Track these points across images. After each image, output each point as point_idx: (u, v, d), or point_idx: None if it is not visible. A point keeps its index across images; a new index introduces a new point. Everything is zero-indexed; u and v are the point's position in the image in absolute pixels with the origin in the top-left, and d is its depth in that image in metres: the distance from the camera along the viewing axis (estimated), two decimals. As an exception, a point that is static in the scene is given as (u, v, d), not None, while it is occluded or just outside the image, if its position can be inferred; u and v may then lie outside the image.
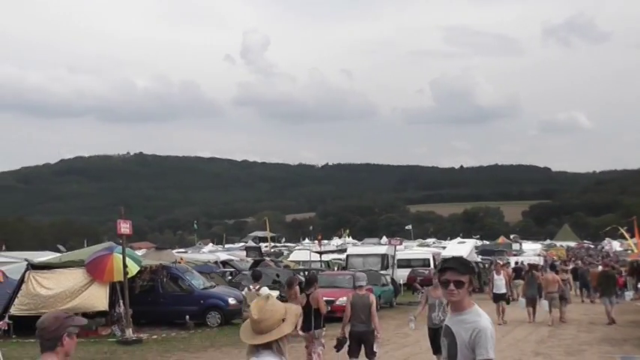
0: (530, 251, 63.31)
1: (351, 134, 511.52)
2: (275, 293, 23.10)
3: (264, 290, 14.40)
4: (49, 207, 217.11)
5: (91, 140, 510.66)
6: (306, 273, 33.40)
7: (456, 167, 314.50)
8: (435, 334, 11.84)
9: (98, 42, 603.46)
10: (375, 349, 12.13)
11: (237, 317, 23.09)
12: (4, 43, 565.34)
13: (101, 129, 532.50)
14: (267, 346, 3.71)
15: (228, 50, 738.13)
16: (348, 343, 12.30)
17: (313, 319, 12.45)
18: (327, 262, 40.61)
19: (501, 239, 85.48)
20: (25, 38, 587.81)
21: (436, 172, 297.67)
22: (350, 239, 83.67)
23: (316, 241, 50.66)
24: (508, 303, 24.78)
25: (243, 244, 79.42)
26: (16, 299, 20.30)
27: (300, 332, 12.30)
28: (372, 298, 12.33)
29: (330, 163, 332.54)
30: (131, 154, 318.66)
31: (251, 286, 15.18)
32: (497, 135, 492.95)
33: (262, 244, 64.19)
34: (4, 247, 52.82)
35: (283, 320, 3.76)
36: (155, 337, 19.86)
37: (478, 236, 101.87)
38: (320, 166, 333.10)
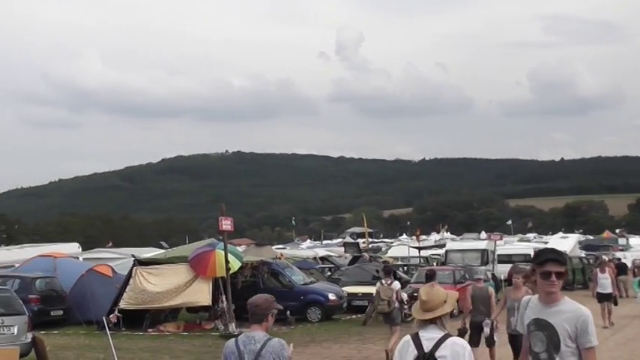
0: (639, 246, 60.95)
1: (447, 128, 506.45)
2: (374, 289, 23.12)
3: (396, 284, 15.70)
4: (151, 205, 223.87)
5: (190, 139, 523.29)
6: (405, 268, 33.32)
7: (556, 160, 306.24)
8: (515, 340, 11.18)
9: (194, 44, 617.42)
10: (495, 338, 12.89)
11: (337, 312, 23.25)
12: (107, 50, 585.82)
13: (200, 128, 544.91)
14: (433, 321, 4.82)
15: (322, 47, 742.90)
16: (468, 333, 12.95)
17: None
18: (426, 257, 40.28)
19: (606, 234, 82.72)
20: (126, 43, 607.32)
21: (535, 165, 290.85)
22: (448, 234, 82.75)
23: (414, 237, 50.28)
24: (616, 304, 22.28)
25: (340, 240, 79.80)
26: (124, 294, 21.00)
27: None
28: (491, 290, 13.52)
29: (427, 158, 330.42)
30: (229, 152, 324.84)
31: (383, 281, 15.92)
32: (599, 126, 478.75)
33: (360, 240, 64.10)
34: (110, 244, 54.70)
35: (445, 302, 4.85)
36: (257, 332, 20.11)
37: (581, 231, 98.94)
38: (416, 160, 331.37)
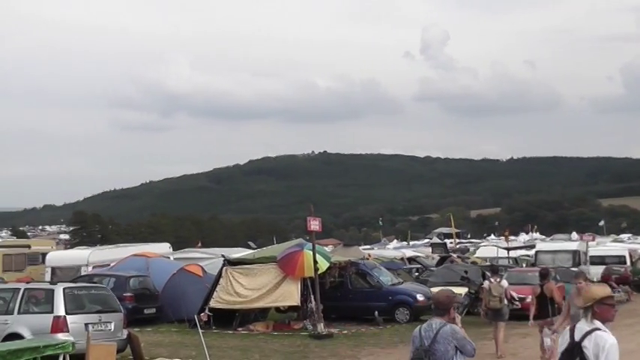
0: None
1: (535, 126, 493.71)
2: (463, 290, 22.85)
3: (504, 282, 16.83)
4: (239, 206, 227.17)
5: (276, 141, 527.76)
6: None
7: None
8: None
9: (279, 46, 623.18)
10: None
11: (425, 313, 23.04)
12: (194, 55, 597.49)
13: (286, 129, 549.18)
14: (587, 310, 5.69)
15: (407, 47, 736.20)
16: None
17: (550, 307, 13.73)
18: (515, 258, 39.51)
19: None
20: (213, 48, 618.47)
21: (629, 162, 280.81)
22: (538, 235, 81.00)
23: (502, 237, 49.40)
24: None
25: (427, 240, 79.09)
26: (214, 293, 21.37)
27: (532, 321, 14.02)
28: None
29: (515, 157, 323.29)
30: (315, 152, 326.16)
31: (492, 279, 16.90)
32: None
33: (447, 241, 63.46)
34: (200, 244, 55.73)
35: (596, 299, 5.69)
36: (345, 332, 20.18)
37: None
38: (504, 160, 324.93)
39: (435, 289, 24.11)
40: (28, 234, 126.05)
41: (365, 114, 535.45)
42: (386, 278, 23.89)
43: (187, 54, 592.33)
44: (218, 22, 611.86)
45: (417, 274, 31.37)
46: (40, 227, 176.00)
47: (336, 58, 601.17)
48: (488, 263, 35.01)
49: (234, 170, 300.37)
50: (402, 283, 24.60)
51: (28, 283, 16.97)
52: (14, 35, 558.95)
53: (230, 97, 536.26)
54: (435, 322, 6.60)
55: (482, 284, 18.49)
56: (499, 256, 38.93)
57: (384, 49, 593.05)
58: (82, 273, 27.86)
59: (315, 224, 20.70)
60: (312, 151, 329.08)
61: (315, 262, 20.23)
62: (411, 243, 79.87)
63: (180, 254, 33.23)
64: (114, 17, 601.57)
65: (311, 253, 20.40)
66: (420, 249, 51.44)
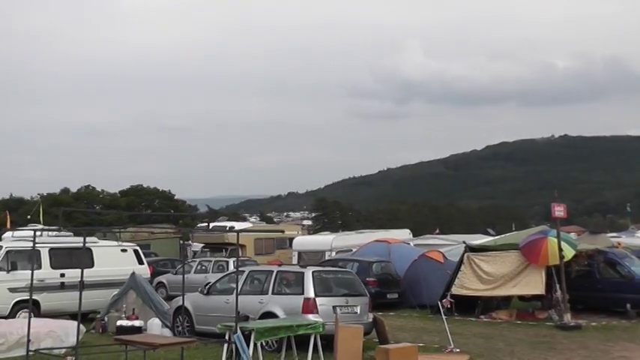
0: None
1: None
2: None
3: None
4: (476, 192, 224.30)
5: (514, 125, 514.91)
6: None
7: None
8: None
9: (515, 27, 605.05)
10: None
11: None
12: (428, 41, 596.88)
13: (524, 113, 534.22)
14: None
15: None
16: None
17: None
18: None
19: None
20: (446, 33, 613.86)
21: None
22: None
23: None
24: None
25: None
26: (455, 280, 21.34)
27: None
28: None
29: None
30: (555, 136, 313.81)
31: None
32: None
33: None
34: (437, 231, 55.80)
35: None
36: (594, 324, 19.22)
37: None
38: None
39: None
40: (275, 220, 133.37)
41: (608, 93, 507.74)
42: (638, 268, 22.44)
43: (421, 41, 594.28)
44: (450, 8, 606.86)
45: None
46: (285, 213, 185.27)
47: (575, 35, 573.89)
48: None
49: (470, 156, 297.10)
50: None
51: (279, 266, 17.95)
52: (263, 38, 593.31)
53: (466, 82, 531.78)
54: None
55: None
56: None
57: (627, 22, 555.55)
58: (326, 257, 29.08)
59: (559, 210, 19.99)
60: (552, 135, 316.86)
61: (561, 249, 19.52)
62: (665, 231, 74.31)
63: (419, 240, 33.54)
64: (346, 12, 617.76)
65: (555, 240, 19.72)
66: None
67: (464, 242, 23.24)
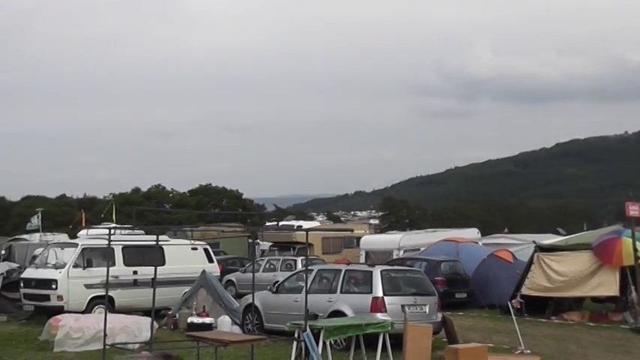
0: None
1: None
2: None
3: None
4: (546, 190, 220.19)
5: (585, 122, 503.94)
6: None
7: None
8: None
9: (585, 21, 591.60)
10: None
11: None
12: (495, 38, 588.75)
13: (594, 109, 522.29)
14: None
15: None
16: None
17: None
18: None
19: None
20: (513, 30, 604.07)
21: None
22: None
23: None
24: None
25: None
26: (526, 280, 21.02)
27: None
28: None
29: None
30: (629, 132, 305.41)
31: None
32: None
33: None
34: (506, 230, 55.01)
35: None
36: (672, 327, 18.67)
37: None
38: None
39: None
40: (342, 219, 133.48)
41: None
42: None
43: (488, 38, 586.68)
44: (518, 3, 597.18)
45: None
46: (352, 212, 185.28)
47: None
48: None
49: (540, 154, 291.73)
50: None
51: (347, 265, 17.99)
52: (327, 36, 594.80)
53: (534, 79, 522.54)
54: None
55: None
56: None
57: None
58: (394, 256, 29.00)
59: (634, 209, 19.46)
60: (626, 132, 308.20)
61: (636, 249, 19.04)
62: None
63: (488, 240, 33.17)
64: (409, 9, 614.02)
65: (630, 240, 19.26)
66: None
67: (534, 242, 22.89)
